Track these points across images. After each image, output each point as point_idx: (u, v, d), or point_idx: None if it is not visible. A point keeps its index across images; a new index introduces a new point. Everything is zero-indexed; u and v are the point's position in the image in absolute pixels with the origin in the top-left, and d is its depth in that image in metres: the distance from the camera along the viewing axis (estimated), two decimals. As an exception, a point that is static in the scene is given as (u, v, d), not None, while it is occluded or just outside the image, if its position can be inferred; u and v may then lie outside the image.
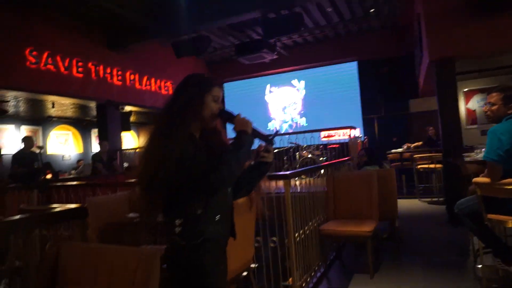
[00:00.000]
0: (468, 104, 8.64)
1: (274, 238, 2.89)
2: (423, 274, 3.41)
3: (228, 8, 6.58)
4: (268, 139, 1.49)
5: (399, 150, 8.33)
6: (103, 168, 7.26)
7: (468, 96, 8.59)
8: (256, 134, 1.46)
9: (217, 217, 1.40)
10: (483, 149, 3.98)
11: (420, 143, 8.13)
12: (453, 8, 4.95)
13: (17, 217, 1.86)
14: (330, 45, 10.37)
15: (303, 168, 4.49)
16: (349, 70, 10.72)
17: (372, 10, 8.05)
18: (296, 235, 2.97)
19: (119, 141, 8.54)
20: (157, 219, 1.47)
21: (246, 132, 1.42)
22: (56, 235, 1.68)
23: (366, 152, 4.89)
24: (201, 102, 1.45)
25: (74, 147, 11.62)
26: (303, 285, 3.06)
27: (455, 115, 5.25)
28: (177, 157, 1.30)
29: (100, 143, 7.77)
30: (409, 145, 8.22)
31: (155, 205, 1.38)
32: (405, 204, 6.72)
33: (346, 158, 5.72)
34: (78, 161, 10.32)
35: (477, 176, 2.81)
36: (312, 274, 3.35)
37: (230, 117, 1.48)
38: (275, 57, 9.32)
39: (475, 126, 8.41)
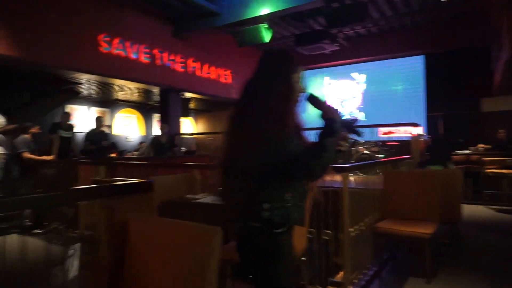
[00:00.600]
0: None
1: (328, 231, 2.84)
2: (484, 286, 3.17)
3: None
4: (355, 130, 1.47)
5: (466, 151, 7.76)
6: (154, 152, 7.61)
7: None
8: (344, 123, 1.43)
9: (301, 203, 1.40)
10: None
11: (489, 146, 7.52)
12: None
13: (87, 186, 2.01)
14: (395, 37, 9.88)
15: (361, 163, 4.36)
16: (414, 64, 10.16)
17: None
18: (351, 229, 2.89)
19: (178, 126, 8.90)
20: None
21: (336, 120, 1.38)
22: (122, 207, 1.80)
23: (428, 150, 4.62)
24: (291, 82, 1.43)
25: (137, 130, 12.31)
26: (354, 282, 2.98)
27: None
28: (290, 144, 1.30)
29: (161, 126, 8.15)
30: (482, 146, 7.63)
31: (249, 188, 1.35)
32: (469, 209, 6.26)
33: (407, 156, 5.45)
34: (141, 143, 10.92)
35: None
36: (364, 272, 3.25)
37: (318, 103, 1.43)
38: (336, 48, 9.10)
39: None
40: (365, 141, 8.47)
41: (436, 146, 5.55)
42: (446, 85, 9.56)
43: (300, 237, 2.22)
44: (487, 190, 6.90)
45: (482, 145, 7.62)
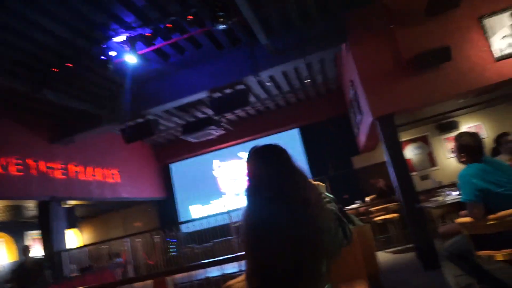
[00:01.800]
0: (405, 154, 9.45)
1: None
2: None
3: (177, 91, 6.77)
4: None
5: (354, 206, 8.62)
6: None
7: (403, 146, 9.41)
8: None
9: None
10: (451, 193, 4.29)
11: (374, 196, 8.50)
12: (386, 71, 5.63)
13: None
14: (271, 116, 10.95)
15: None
16: (291, 137, 11.26)
17: (307, 81, 8.79)
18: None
19: (63, 240, 7.75)
20: None
21: None
22: None
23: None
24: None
25: (6, 255, 10.21)
26: None
27: (404, 164, 5.66)
28: None
29: (23, 248, 6.82)
30: (368, 198, 8.55)
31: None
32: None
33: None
34: (13, 271, 9.02)
35: (443, 218, 2.99)
36: None
37: None
38: (222, 132, 9.55)
39: (415, 172, 9.11)
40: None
41: (341, 209, 6.04)
42: (322, 150, 10.77)
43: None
44: (380, 236, 7.65)
45: (368, 197, 8.58)
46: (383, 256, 7.02)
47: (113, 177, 9.23)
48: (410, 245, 6.53)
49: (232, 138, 11.06)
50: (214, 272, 5.17)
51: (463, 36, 5.44)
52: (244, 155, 10.15)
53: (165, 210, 11.65)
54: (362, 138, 8.54)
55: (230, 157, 11.72)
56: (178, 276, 5.60)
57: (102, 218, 11.67)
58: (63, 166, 7.71)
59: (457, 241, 2.91)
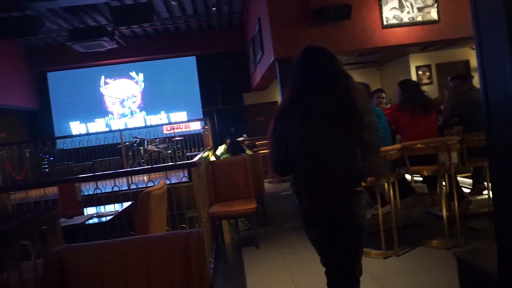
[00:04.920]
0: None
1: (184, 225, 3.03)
2: (296, 236, 4.14)
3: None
4: None
5: (241, 138, 9.27)
6: None
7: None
8: None
9: None
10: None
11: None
12: (293, 16, 5.94)
13: None
14: (170, 39, 10.47)
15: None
16: (188, 64, 11.07)
17: (213, 9, 8.60)
18: (204, 216, 3.17)
19: None
20: None
21: None
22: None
23: (231, 145, 5.47)
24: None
25: None
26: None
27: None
28: None
29: None
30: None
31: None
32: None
33: (208, 148, 6.11)
34: None
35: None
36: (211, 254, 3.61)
37: None
38: (114, 46, 8.82)
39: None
40: (151, 139, 8.74)
41: (234, 140, 6.51)
42: (216, 83, 10.94)
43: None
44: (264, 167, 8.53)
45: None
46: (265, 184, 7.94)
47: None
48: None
49: (124, 55, 10.29)
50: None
51: (363, -1, 6.06)
52: (136, 75, 9.80)
53: (39, 123, 10.51)
54: (257, 76, 8.97)
55: (120, 75, 10.97)
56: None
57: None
58: None
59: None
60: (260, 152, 8.25)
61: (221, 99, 11.08)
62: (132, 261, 1.18)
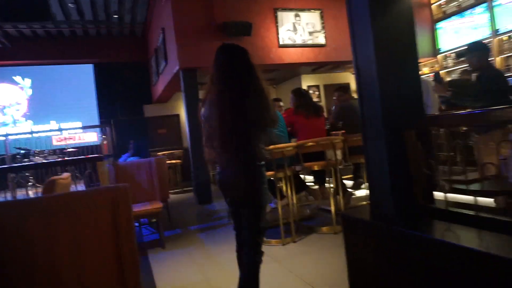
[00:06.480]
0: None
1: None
2: (203, 236, 4.28)
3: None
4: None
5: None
6: None
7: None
8: None
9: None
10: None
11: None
12: (199, 28, 6.20)
13: None
14: (65, 43, 9.78)
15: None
16: (84, 72, 10.45)
17: (115, 16, 8.38)
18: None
19: None
20: None
21: None
22: None
23: (134, 149, 5.46)
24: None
25: None
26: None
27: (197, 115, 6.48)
28: None
29: None
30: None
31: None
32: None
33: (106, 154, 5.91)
34: None
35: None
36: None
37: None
38: (-3, 46, 7.95)
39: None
40: (39, 150, 8.05)
41: (139, 146, 6.45)
42: (114, 93, 10.51)
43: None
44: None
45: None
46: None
47: None
48: (188, 188, 7.64)
49: (7, 57, 9.26)
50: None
51: (262, 19, 6.64)
52: (21, 80, 9.18)
53: None
54: (160, 87, 8.93)
55: (1, 79, 9.78)
56: None
57: None
58: None
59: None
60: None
61: (120, 110, 10.67)
62: (58, 218, 1.21)
